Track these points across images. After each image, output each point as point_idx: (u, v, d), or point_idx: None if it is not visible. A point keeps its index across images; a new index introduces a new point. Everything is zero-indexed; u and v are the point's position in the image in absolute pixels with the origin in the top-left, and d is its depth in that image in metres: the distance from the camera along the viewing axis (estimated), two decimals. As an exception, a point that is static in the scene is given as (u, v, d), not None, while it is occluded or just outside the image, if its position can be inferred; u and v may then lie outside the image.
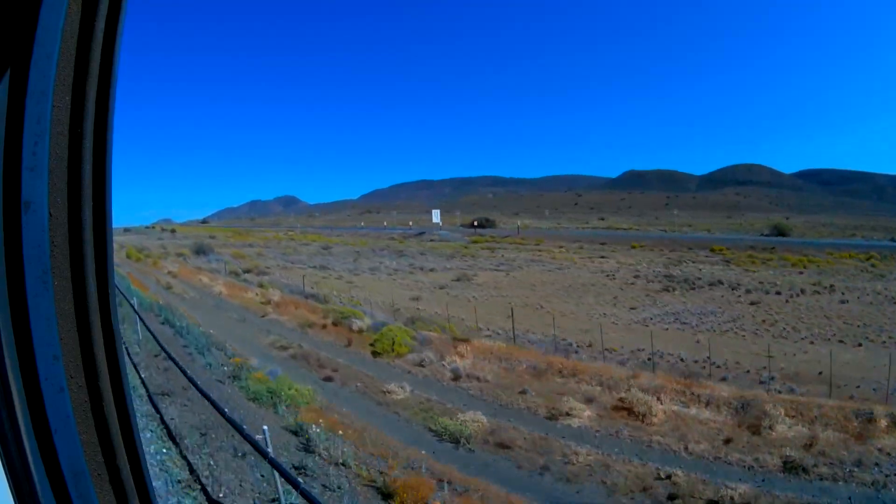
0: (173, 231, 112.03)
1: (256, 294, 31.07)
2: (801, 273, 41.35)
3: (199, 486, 5.54)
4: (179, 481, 5.55)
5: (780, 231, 73.45)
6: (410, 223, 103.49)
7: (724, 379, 17.79)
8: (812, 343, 23.34)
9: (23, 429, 1.00)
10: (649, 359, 20.03)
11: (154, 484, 1.37)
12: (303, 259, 59.06)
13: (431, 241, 75.29)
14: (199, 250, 59.72)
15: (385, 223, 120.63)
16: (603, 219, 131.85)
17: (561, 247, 63.55)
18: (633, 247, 60.76)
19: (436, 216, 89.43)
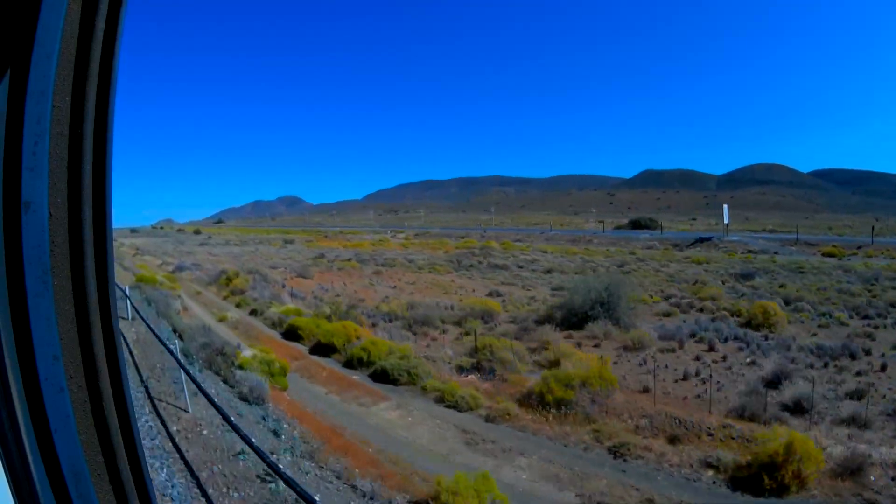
0: (197, 232, 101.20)
1: None
2: None
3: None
4: None
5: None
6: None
7: None
8: None
9: (23, 429, 1.00)
10: None
11: (153, 483, 1.36)
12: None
13: (750, 251, 48.72)
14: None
15: (550, 225, 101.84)
16: (694, 219, 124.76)
17: None
18: None
19: (726, 214, 70.61)
